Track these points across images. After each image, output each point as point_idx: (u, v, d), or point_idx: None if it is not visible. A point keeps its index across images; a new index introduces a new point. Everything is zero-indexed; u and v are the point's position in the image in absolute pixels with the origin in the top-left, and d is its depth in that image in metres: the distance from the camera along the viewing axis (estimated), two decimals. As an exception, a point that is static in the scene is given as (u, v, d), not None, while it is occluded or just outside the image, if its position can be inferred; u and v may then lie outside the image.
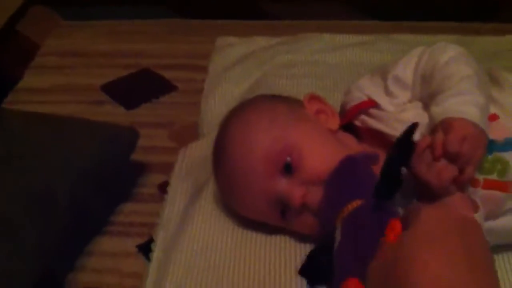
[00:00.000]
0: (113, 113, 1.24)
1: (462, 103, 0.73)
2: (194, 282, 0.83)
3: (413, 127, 0.71)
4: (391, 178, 0.70)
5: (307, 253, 0.82)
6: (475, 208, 0.68)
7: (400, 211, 0.71)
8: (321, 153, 0.81)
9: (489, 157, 0.76)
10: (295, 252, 0.86)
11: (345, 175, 0.77)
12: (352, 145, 0.86)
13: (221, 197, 0.92)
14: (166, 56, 1.40)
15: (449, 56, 0.79)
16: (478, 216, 0.66)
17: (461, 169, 0.70)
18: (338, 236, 0.72)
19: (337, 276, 0.70)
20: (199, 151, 1.05)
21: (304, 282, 0.80)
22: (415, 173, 0.73)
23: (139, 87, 1.32)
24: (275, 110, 0.86)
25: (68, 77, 1.38)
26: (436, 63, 0.80)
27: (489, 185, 0.76)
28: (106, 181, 0.98)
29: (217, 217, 0.92)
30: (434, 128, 0.74)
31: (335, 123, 0.88)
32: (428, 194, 0.72)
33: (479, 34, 1.34)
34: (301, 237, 0.87)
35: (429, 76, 0.80)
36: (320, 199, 0.79)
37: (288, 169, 0.80)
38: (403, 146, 0.72)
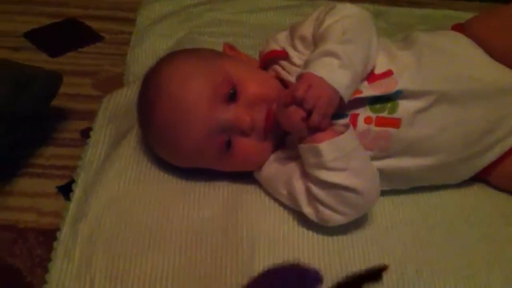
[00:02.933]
0: (36, 60, 1.22)
1: (320, 63, 0.81)
2: (111, 223, 0.85)
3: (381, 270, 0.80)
4: None
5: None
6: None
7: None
8: (258, 78, 0.89)
9: (379, 104, 0.86)
10: (211, 196, 0.90)
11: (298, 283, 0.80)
12: (276, 80, 0.92)
13: (152, 146, 0.93)
14: (92, 7, 1.39)
15: (335, 19, 0.87)
16: None
17: (309, 114, 0.79)
18: None
19: None
20: (124, 98, 1.06)
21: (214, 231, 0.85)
22: (277, 119, 0.83)
23: (64, 36, 1.30)
24: (202, 54, 0.91)
25: (-11, 22, 1.35)
26: (322, 25, 0.87)
27: (381, 122, 0.86)
28: (22, 122, 0.97)
29: (139, 163, 0.94)
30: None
31: (255, 65, 0.95)
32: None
33: (397, 5, 1.41)
34: (219, 183, 0.92)
35: (317, 32, 0.88)
36: (264, 118, 0.86)
37: (232, 97, 0.85)
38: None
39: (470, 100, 0.88)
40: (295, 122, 0.80)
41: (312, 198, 0.83)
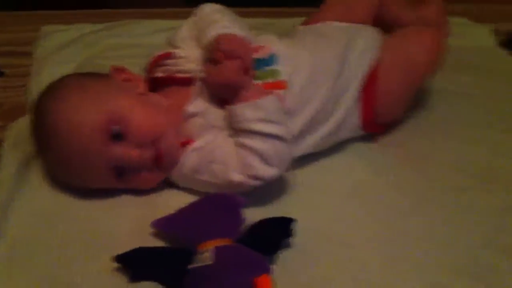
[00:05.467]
0: None
1: (220, 27, 0.94)
2: (32, 237, 0.89)
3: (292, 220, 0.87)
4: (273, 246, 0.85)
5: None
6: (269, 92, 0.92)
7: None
8: (143, 116, 0.92)
9: (260, 70, 0.97)
10: (126, 215, 0.94)
11: (223, 208, 0.86)
12: (162, 103, 0.98)
13: (53, 173, 0.97)
14: (-10, 45, 1.41)
15: (209, 10, 1.01)
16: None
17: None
18: (207, 259, 0.79)
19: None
20: (28, 124, 1.09)
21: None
22: (215, 84, 0.92)
23: (-36, 75, 1.32)
24: (87, 85, 0.94)
25: None
26: (201, 17, 1.00)
27: (269, 86, 0.96)
28: None
29: (52, 179, 0.98)
30: (209, 50, 0.93)
31: (142, 86, 1.01)
32: (233, 95, 0.91)
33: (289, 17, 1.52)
34: (131, 199, 0.96)
35: (199, 27, 0.99)
36: (153, 155, 0.91)
37: (118, 137, 0.90)
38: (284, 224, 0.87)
39: (320, 45, 1.05)
40: (236, 72, 0.88)
41: (248, 153, 0.89)
